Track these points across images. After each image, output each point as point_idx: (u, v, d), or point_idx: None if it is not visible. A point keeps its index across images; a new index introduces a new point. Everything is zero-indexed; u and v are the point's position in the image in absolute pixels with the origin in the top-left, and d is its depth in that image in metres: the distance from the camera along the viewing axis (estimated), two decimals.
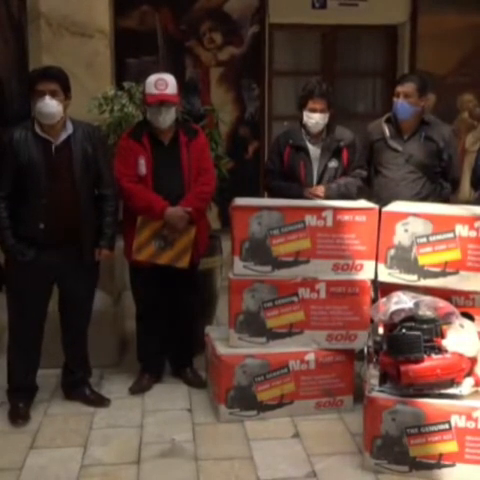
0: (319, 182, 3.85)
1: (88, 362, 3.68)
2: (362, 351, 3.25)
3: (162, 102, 3.49)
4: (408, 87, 3.91)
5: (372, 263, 3.40)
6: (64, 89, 3.29)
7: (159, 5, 5.95)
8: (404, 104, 3.90)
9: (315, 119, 3.79)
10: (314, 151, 3.88)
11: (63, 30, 3.86)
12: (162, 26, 6.01)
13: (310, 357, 3.44)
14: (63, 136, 3.34)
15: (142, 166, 3.57)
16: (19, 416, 3.43)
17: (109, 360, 4.02)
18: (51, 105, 3.23)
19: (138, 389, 3.76)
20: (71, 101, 3.37)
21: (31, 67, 3.88)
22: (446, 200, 3.97)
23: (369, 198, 3.77)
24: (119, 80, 4.14)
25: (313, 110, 3.79)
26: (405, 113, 3.92)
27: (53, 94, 3.23)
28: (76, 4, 3.84)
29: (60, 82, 3.27)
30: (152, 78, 3.54)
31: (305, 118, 3.82)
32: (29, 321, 3.44)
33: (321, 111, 3.78)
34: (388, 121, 4.04)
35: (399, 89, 3.94)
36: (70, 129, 3.36)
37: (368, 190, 4.10)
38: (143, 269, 3.68)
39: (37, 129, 3.31)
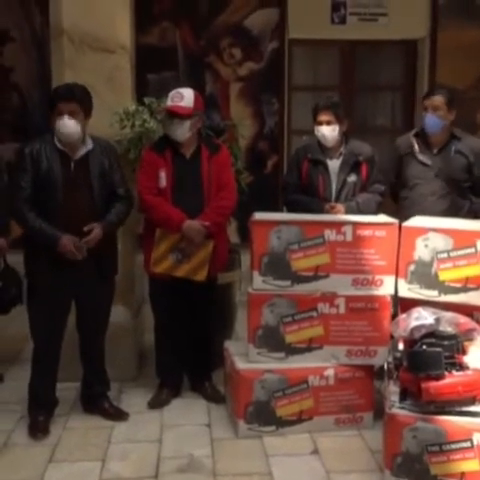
0: (338, 197, 3.84)
1: (106, 376, 3.68)
2: (382, 369, 3.22)
3: (172, 113, 3.53)
4: (436, 100, 3.86)
5: (392, 278, 3.38)
6: (84, 109, 3.33)
7: (179, 21, 6.02)
8: (433, 117, 3.84)
9: (321, 132, 3.80)
10: (332, 165, 3.87)
11: (85, 46, 3.90)
12: (182, 42, 6.08)
13: (329, 373, 3.41)
14: (82, 151, 3.38)
15: (162, 179, 3.59)
16: (39, 430, 3.44)
17: (128, 374, 4.02)
18: (69, 125, 3.28)
19: (157, 403, 3.76)
20: (93, 116, 3.41)
21: (54, 82, 3.92)
22: (477, 216, 3.89)
23: (396, 213, 3.73)
24: (140, 95, 4.17)
25: (319, 123, 3.80)
26: (434, 126, 3.86)
27: (72, 114, 3.27)
28: (98, 20, 3.87)
29: (80, 102, 3.31)
30: (172, 91, 3.61)
31: (315, 132, 3.84)
32: (50, 336, 3.46)
33: (327, 123, 3.78)
34: (416, 136, 4.00)
35: (427, 103, 3.88)
36: (90, 145, 3.40)
37: (395, 205, 4.07)
38: (162, 282, 3.69)
39: (57, 143, 3.35)
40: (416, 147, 3.94)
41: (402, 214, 3.70)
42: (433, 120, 3.85)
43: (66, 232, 3.29)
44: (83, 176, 3.36)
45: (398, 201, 4.06)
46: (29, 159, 3.32)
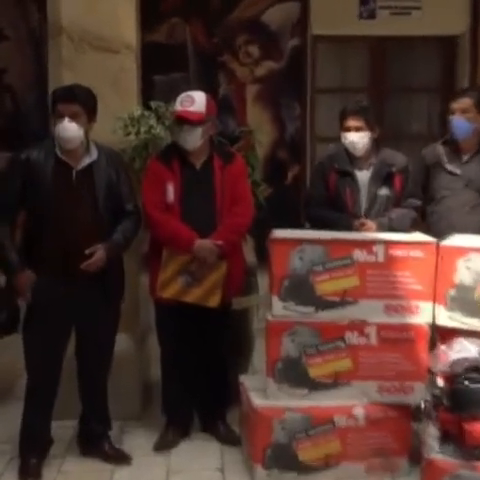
0: (368, 212, 3.82)
1: (108, 413, 3.66)
2: (419, 408, 3.18)
3: (181, 119, 3.54)
4: (464, 102, 3.90)
5: (430, 305, 3.35)
6: (88, 111, 3.34)
7: (190, 17, 6.07)
8: (461, 121, 3.87)
9: (349, 139, 3.81)
10: (362, 177, 3.86)
11: (85, 45, 3.93)
12: (193, 39, 6.12)
13: (358, 412, 3.37)
14: (85, 161, 3.39)
15: (170, 192, 3.60)
16: (30, 474, 3.41)
17: (131, 411, 4.00)
18: (69, 129, 3.28)
19: (163, 445, 3.73)
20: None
21: (51, 84, 3.95)
22: None
23: (426, 230, 3.72)
24: (146, 99, 4.19)
25: (347, 129, 3.81)
26: (463, 131, 3.88)
27: (73, 117, 3.28)
28: (100, 17, 3.91)
29: (83, 104, 3.32)
30: (182, 95, 3.63)
31: (342, 139, 3.85)
32: (46, 367, 3.44)
33: (356, 130, 3.79)
34: (445, 144, 4.01)
35: (454, 105, 3.92)
36: (94, 154, 3.41)
37: (422, 221, 4.05)
38: (170, 308, 3.67)
39: (58, 152, 3.36)
40: (444, 156, 3.96)
41: (431, 231, 3.69)
42: (461, 123, 3.87)
43: (65, 253, 3.29)
44: (87, 189, 3.37)
45: (425, 217, 4.05)
46: (21, 167, 3.34)
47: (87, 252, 3.31)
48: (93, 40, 3.94)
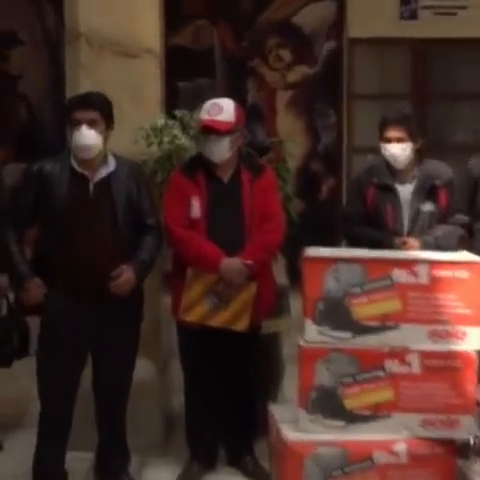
0: (411, 229, 3.81)
1: (126, 444, 3.67)
2: (466, 444, 3.13)
3: (208, 129, 3.56)
4: None
5: (478, 330, 3.30)
6: (105, 118, 3.39)
7: (217, 19, 6.11)
8: None
9: (390, 151, 3.80)
10: (404, 192, 3.85)
11: (105, 49, 3.98)
12: (220, 43, 6.17)
13: (400, 447, 3.31)
14: (103, 173, 3.42)
15: (195, 208, 3.62)
16: None
17: (152, 443, 4.00)
18: (87, 137, 3.32)
19: (187, 479, 3.73)
20: (113, 132, 3.47)
21: (67, 91, 4.01)
22: None
23: (470, 249, 3.69)
24: (170, 107, 4.22)
25: (387, 140, 3.80)
26: None
27: (91, 124, 3.32)
28: (121, 20, 3.95)
29: (100, 110, 3.36)
30: (208, 103, 3.65)
31: (382, 151, 3.84)
32: (61, 394, 3.46)
33: (398, 141, 3.78)
34: None
35: None
36: (112, 166, 3.44)
37: (469, 239, 4.03)
38: (194, 332, 3.68)
39: (73, 163, 3.40)
40: None
41: (478, 250, 3.65)
42: None
43: (80, 269, 3.32)
44: (105, 202, 3.41)
45: (472, 235, 4.03)
46: (33, 179, 3.39)
47: (114, 274, 3.33)
48: (113, 45, 3.99)
